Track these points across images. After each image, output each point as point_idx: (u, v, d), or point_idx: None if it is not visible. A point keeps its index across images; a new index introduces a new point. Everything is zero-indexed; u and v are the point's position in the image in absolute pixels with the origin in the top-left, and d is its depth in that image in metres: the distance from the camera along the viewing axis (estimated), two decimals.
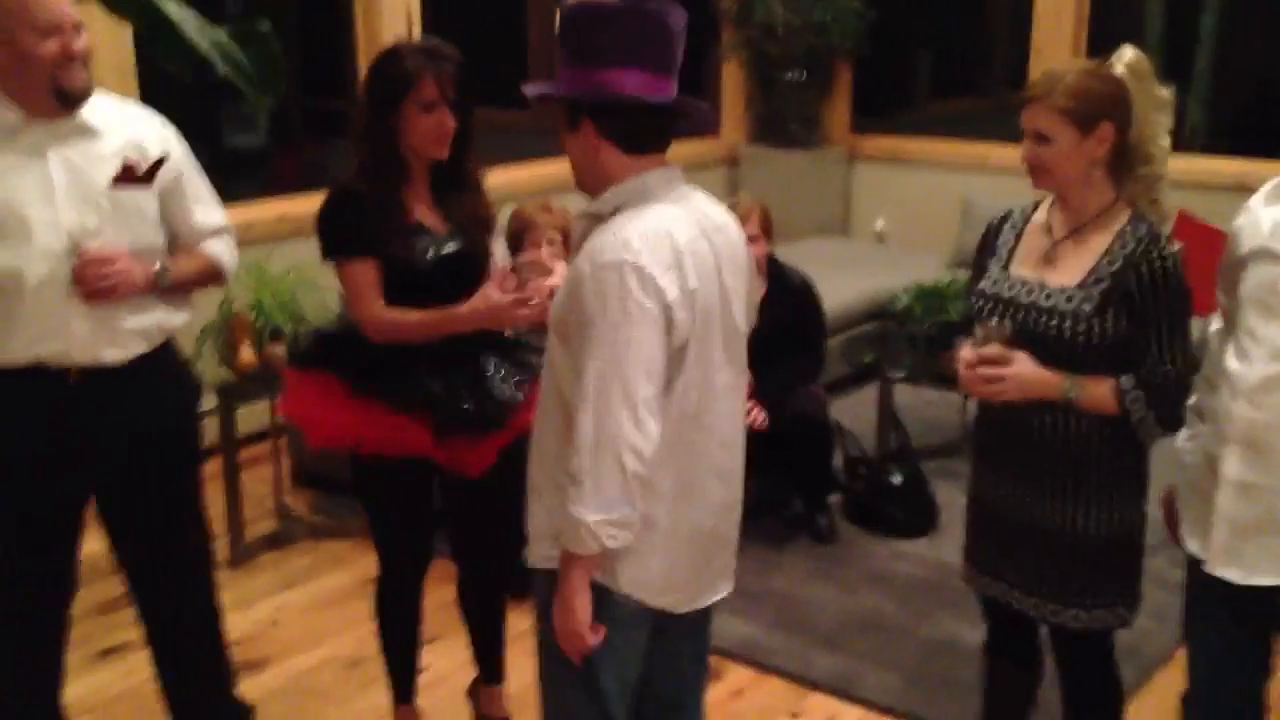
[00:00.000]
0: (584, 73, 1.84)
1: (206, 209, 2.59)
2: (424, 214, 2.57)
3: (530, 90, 1.94)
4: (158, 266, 2.44)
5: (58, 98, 2.31)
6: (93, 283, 2.32)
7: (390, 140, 2.51)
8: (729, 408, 2.01)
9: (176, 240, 2.53)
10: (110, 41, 4.12)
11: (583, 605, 1.89)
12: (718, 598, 2.14)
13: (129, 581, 2.64)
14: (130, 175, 2.40)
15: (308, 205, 4.85)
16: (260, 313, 3.78)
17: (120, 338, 2.42)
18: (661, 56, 1.84)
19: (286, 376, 2.82)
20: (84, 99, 2.35)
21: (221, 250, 2.63)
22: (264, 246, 4.35)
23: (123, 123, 2.45)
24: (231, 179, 5.64)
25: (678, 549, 1.99)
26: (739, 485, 2.10)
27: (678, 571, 2.01)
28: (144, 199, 2.43)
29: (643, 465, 1.82)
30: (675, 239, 1.85)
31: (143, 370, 2.46)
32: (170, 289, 2.48)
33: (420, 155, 2.54)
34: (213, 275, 2.63)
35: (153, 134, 2.49)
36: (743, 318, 2.03)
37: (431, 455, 2.57)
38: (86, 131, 2.38)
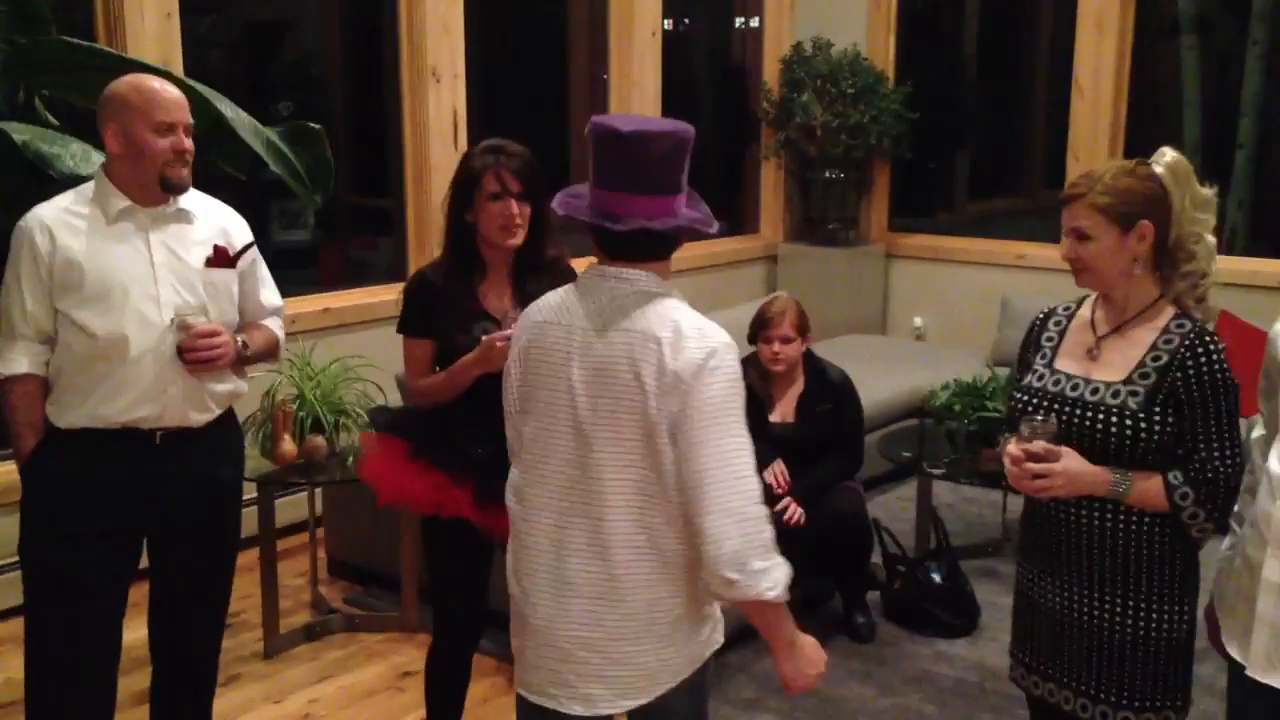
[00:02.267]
0: (591, 191, 2.02)
1: (270, 291, 2.89)
2: (496, 302, 2.81)
3: (554, 203, 2.09)
4: (241, 341, 2.70)
5: (164, 188, 2.57)
6: (203, 354, 2.57)
7: (468, 235, 2.78)
8: (569, 509, 1.97)
9: (243, 316, 2.79)
10: None
11: None
12: (553, 706, 2.04)
13: (155, 612, 2.82)
14: (223, 258, 2.68)
15: (352, 299, 4.98)
16: (303, 404, 3.83)
17: (206, 402, 2.67)
18: (642, 179, 1.96)
19: (366, 442, 3.28)
20: (185, 191, 2.62)
21: (279, 328, 2.91)
22: (309, 339, 4.43)
23: (210, 212, 2.73)
24: (279, 273, 5.76)
25: (513, 618, 2.11)
26: (589, 602, 1.97)
27: (515, 642, 2.11)
28: (230, 279, 2.71)
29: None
30: (529, 315, 2.10)
31: (214, 431, 2.73)
32: (245, 361, 2.74)
33: (495, 245, 2.77)
34: (276, 350, 2.89)
35: (235, 223, 2.77)
36: (602, 426, 1.94)
37: (468, 517, 2.74)
38: (184, 217, 2.65)
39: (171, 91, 2.56)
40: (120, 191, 2.55)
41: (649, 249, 2.00)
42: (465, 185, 2.75)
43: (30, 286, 2.52)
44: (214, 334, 2.59)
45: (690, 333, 1.93)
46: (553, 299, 2.08)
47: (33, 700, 2.63)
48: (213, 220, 2.70)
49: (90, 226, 2.53)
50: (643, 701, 2.03)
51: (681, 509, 1.92)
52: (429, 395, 2.84)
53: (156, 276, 2.56)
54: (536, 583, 2.03)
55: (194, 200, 2.68)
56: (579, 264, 2.45)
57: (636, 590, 1.98)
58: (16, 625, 3.81)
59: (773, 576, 1.89)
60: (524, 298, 2.73)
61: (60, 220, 2.53)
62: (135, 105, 2.51)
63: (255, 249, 2.80)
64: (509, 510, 2.12)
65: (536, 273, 2.79)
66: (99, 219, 2.55)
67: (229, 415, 2.80)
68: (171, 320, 2.56)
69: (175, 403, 2.60)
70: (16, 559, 2.67)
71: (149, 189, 2.56)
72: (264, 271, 2.86)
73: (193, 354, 2.57)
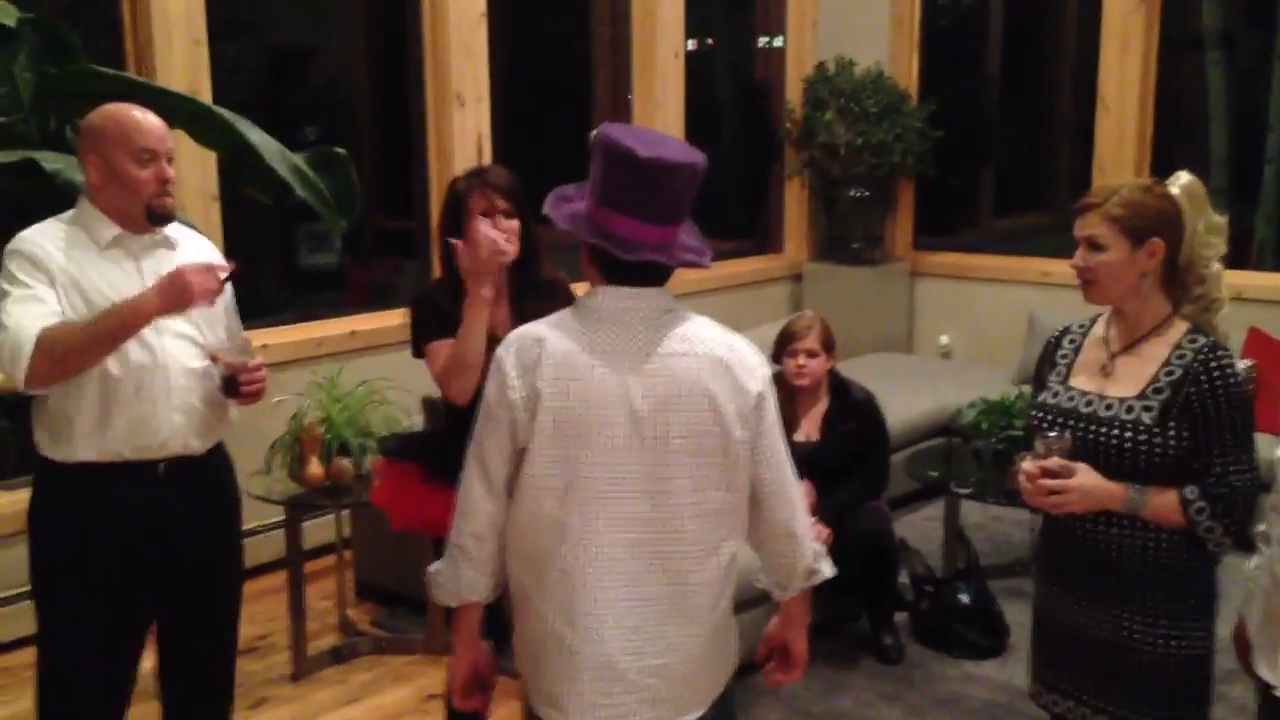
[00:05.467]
0: (590, 204, 1.95)
1: (237, 318, 2.80)
2: (497, 327, 2.72)
3: (545, 207, 2.02)
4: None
5: (150, 220, 2.52)
6: (258, 385, 2.58)
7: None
8: (639, 540, 1.93)
9: None
10: (196, 167, 4.30)
11: (457, 661, 2.16)
12: None
13: (162, 649, 2.74)
14: None
15: (379, 322, 5.01)
16: (330, 427, 3.85)
17: (205, 430, 2.62)
18: (653, 207, 1.91)
19: (375, 467, 3.23)
20: (171, 221, 2.57)
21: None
22: (336, 361, 4.46)
23: (188, 238, 2.70)
24: (306, 296, 5.80)
25: (551, 661, 1.99)
26: (661, 629, 1.96)
27: (555, 687, 1.98)
28: (219, 306, 2.64)
29: (471, 536, 2.01)
30: (546, 345, 1.93)
31: (212, 459, 2.68)
32: None
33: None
34: None
35: (210, 249, 2.74)
36: (674, 453, 1.91)
37: None
38: (169, 244, 2.61)
39: (151, 119, 2.51)
40: (109, 218, 2.51)
41: (649, 276, 1.97)
42: (452, 209, 2.76)
43: (36, 280, 2.41)
44: (259, 366, 2.59)
45: (746, 349, 2.00)
46: (567, 325, 1.96)
47: None
48: (192, 247, 2.66)
49: (84, 254, 2.48)
50: (699, 713, 2.05)
51: (762, 518, 2.03)
52: (467, 366, 2.66)
53: None
54: (598, 619, 1.94)
55: (172, 227, 2.63)
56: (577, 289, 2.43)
57: (706, 609, 2.00)
58: (25, 654, 3.85)
59: (827, 559, 2.12)
60: (523, 319, 2.72)
61: (56, 244, 2.47)
62: (114, 136, 2.47)
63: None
64: (535, 550, 1.98)
65: (534, 293, 2.76)
66: (90, 246, 2.50)
67: (221, 446, 2.75)
68: (213, 359, 2.56)
69: (180, 431, 2.55)
70: (23, 589, 2.62)
71: (134, 219, 2.51)
72: (233, 301, 2.80)
73: (251, 386, 2.56)
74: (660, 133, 2.00)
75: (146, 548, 2.58)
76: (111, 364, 2.46)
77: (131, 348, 2.47)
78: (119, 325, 2.39)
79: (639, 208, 1.90)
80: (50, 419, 2.50)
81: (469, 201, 2.73)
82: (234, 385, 2.57)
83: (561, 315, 2.00)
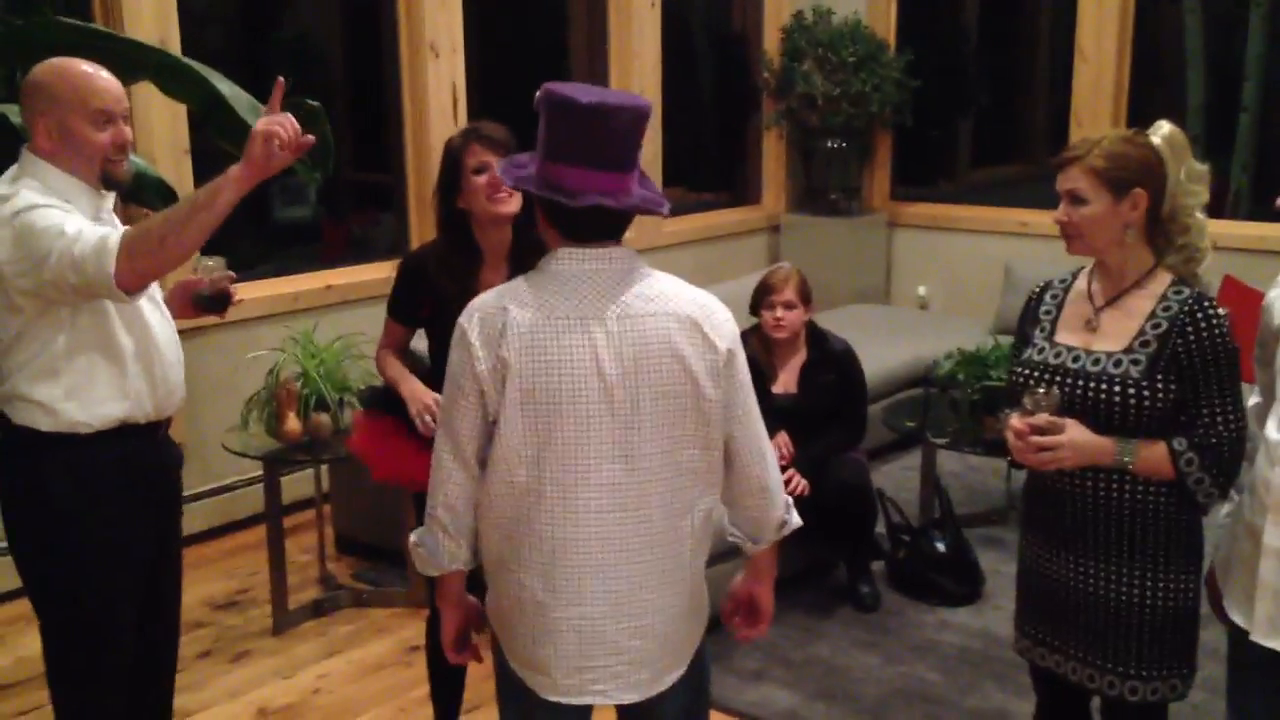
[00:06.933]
0: (539, 163, 1.92)
1: None
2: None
3: (498, 169, 2.00)
4: None
5: (106, 185, 2.39)
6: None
7: (462, 224, 2.76)
8: (614, 504, 1.92)
9: None
10: (166, 120, 4.25)
11: (444, 621, 2.17)
12: (601, 701, 2.01)
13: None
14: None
15: (355, 276, 4.98)
16: (306, 382, 3.84)
17: (182, 386, 2.58)
18: (600, 153, 1.87)
19: (356, 419, 3.31)
20: (125, 188, 2.44)
21: None
22: (311, 316, 4.44)
23: None
24: (282, 250, 5.76)
25: (530, 626, 1.99)
26: (641, 590, 1.97)
27: (539, 653, 1.99)
28: None
29: (444, 508, 1.99)
30: (509, 314, 1.89)
31: None
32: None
33: (490, 219, 2.72)
34: None
35: None
36: (646, 415, 1.90)
37: None
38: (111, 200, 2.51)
39: (105, 77, 2.33)
40: (70, 175, 2.34)
41: (604, 228, 1.93)
42: (450, 170, 2.74)
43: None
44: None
45: (714, 306, 1.98)
46: (529, 291, 1.92)
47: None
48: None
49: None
50: (680, 672, 2.06)
51: (736, 475, 2.03)
52: (383, 375, 2.90)
53: None
54: (578, 583, 1.94)
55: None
56: None
57: (682, 568, 2.01)
58: (24, 605, 3.84)
59: (794, 509, 2.13)
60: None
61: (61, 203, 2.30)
62: (67, 97, 2.29)
63: None
64: (511, 518, 1.96)
65: (533, 252, 2.72)
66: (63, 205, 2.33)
67: None
68: (198, 282, 2.58)
69: (180, 387, 2.53)
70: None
71: (88, 181, 2.36)
72: None
73: (231, 300, 2.60)
74: (604, 88, 1.97)
75: (151, 528, 2.55)
76: (153, 319, 2.43)
77: (152, 309, 2.45)
78: (209, 197, 2.16)
79: (585, 155, 1.87)
80: (74, 380, 2.34)
81: (464, 158, 2.70)
82: (225, 300, 2.61)
83: (523, 281, 1.96)
